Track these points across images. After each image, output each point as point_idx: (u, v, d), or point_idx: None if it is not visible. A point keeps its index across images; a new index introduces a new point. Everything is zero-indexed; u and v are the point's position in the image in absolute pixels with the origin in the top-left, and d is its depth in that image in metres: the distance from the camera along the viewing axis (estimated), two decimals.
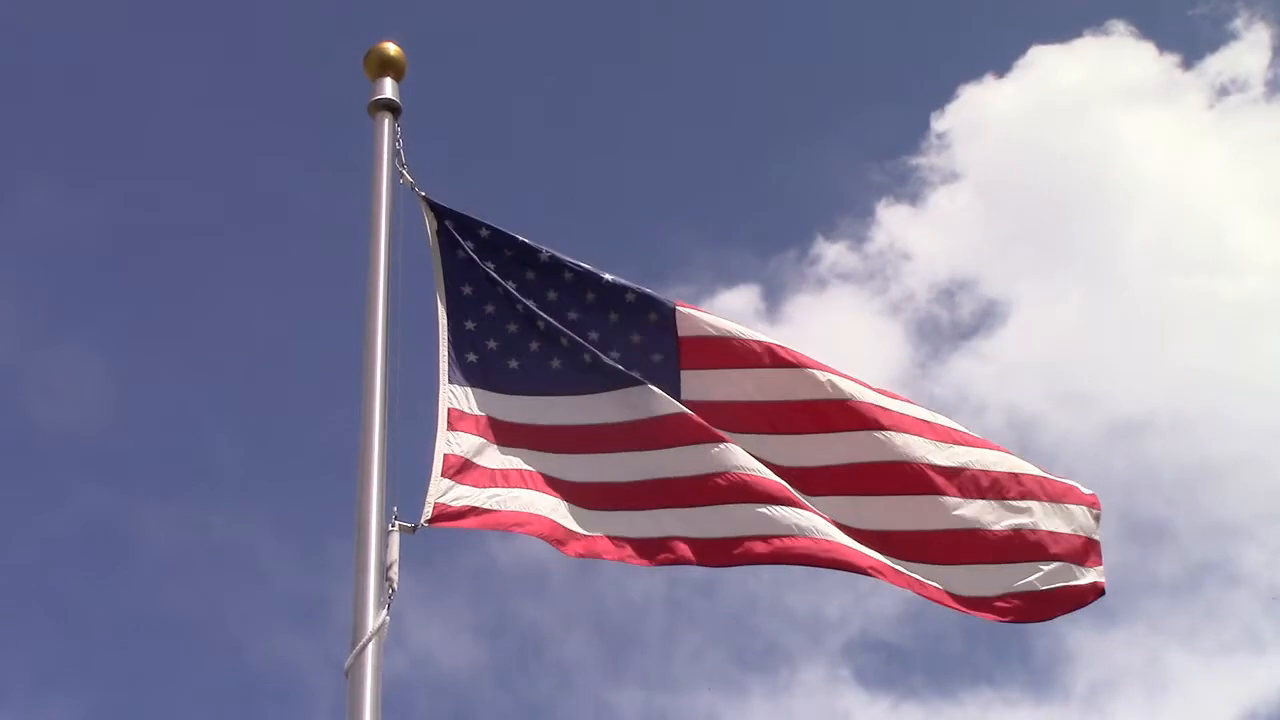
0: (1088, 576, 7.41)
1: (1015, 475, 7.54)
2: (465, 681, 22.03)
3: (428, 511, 6.89)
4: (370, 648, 6.16)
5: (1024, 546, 7.41)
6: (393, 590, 6.38)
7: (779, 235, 27.49)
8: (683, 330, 7.71)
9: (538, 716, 22.35)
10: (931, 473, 7.43)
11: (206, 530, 23.41)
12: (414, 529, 6.74)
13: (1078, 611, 7.51)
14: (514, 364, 7.58)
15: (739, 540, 7.13)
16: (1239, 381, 23.95)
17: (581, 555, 7.13)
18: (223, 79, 26.26)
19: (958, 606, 7.35)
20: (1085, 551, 7.45)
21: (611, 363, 7.51)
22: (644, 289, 7.81)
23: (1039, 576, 7.37)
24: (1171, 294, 25.52)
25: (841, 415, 7.51)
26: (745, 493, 7.17)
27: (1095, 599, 7.43)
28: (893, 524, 7.38)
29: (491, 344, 7.60)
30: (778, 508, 7.14)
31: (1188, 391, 24.27)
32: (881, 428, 7.47)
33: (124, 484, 24.00)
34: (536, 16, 27.49)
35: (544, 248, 7.81)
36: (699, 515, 7.21)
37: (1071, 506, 7.54)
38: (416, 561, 6.65)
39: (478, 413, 7.37)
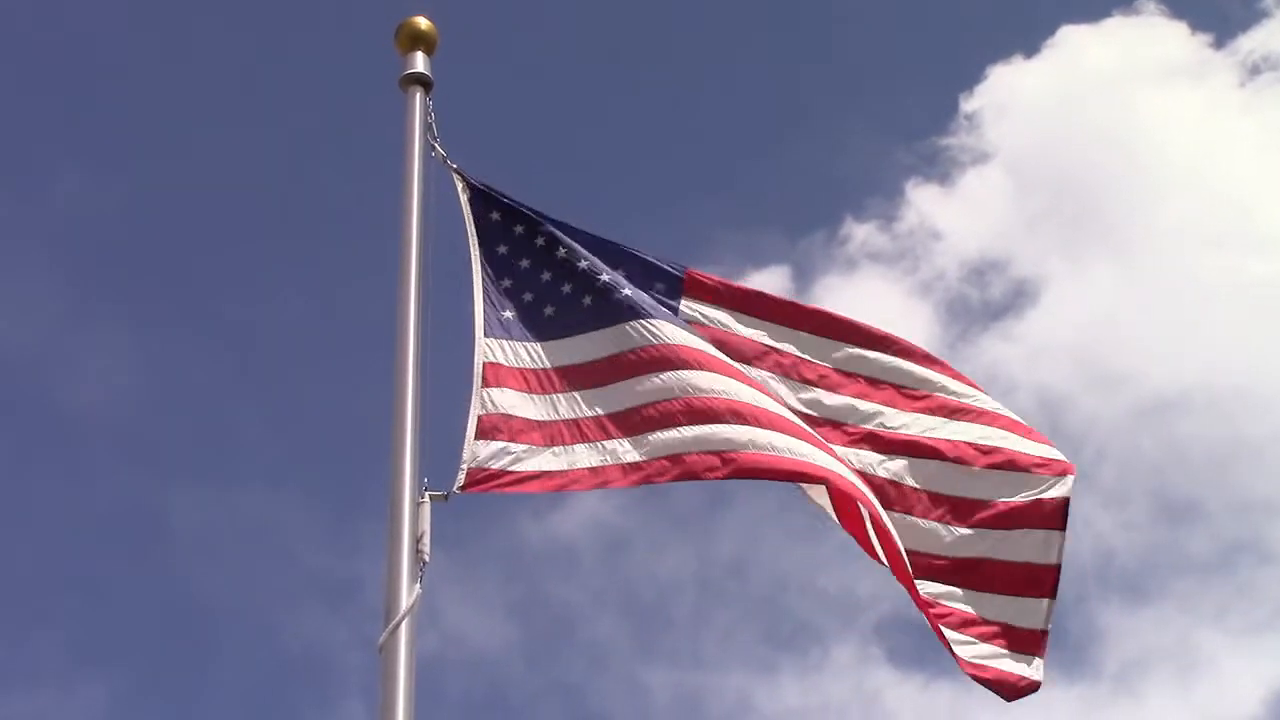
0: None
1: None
2: (497, 661, 22.05)
3: (460, 478, 6.86)
4: (404, 624, 6.11)
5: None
6: (425, 563, 6.33)
7: (808, 216, 27.37)
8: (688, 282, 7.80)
9: (569, 696, 22.37)
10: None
11: (237, 510, 23.45)
12: (446, 497, 6.69)
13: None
14: (549, 310, 7.58)
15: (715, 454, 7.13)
16: (1270, 360, 23.81)
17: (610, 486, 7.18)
18: (252, 55, 26.26)
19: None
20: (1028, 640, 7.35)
21: (632, 294, 7.59)
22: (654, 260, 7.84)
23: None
24: (1202, 273, 25.38)
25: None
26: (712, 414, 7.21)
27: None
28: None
29: (527, 296, 7.62)
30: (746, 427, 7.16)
31: (1219, 370, 24.13)
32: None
33: (154, 465, 24.07)
34: (566, 0, 27.43)
35: (556, 231, 7.81)
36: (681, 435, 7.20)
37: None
38: (448, 541, 6.61)
39: (514, 365, 7.35)
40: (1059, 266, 25.92)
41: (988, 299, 25.22)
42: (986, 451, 7.48)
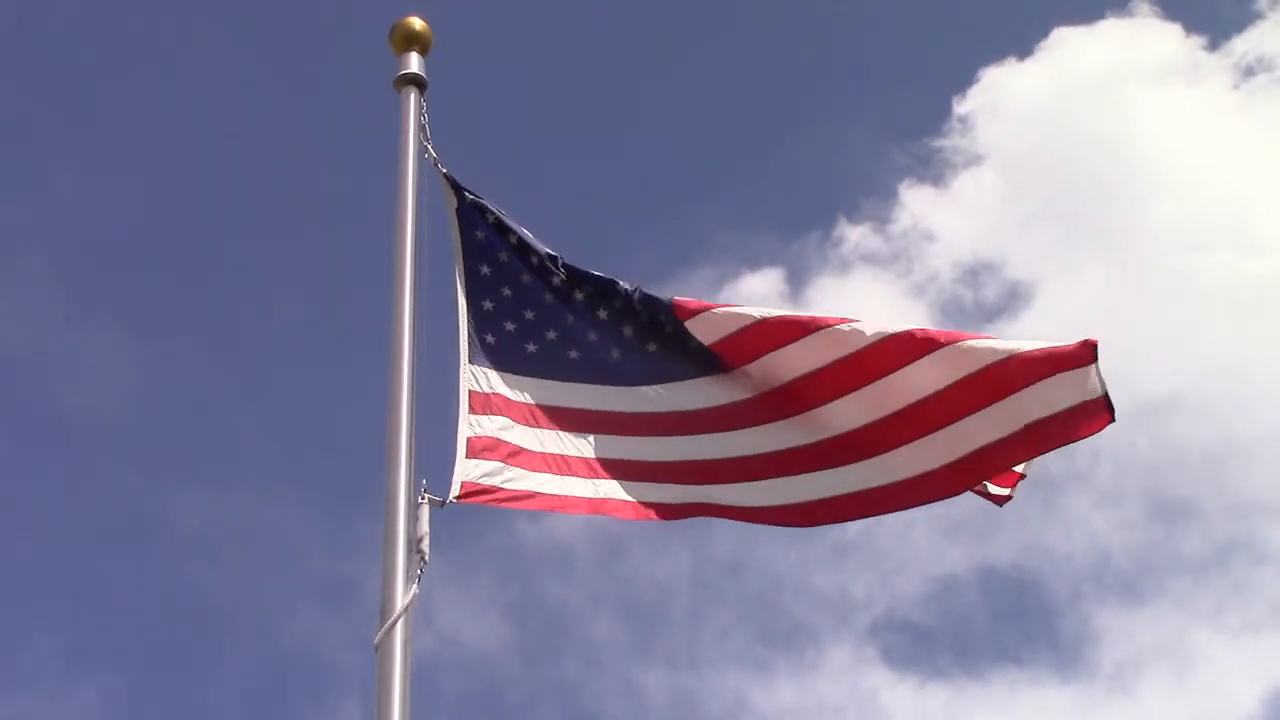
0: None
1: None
2: (493, 661, 22.06)
3: (456, 489, 6.86)
4: (400, 623, 6.11)
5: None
6: (423, 564, 6.34)
7: (802, 218, 27.42)
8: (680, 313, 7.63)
9: (565, 696, 22.36)
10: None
11: (235, 511, 23.46)
12: (442, 504, 6.70)
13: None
14: (531, 348, 7.56)
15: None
16: (1265, 360, 23.82)
17: (609, 515, 7.24)
18: (247, 57, 26.28)
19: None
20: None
21: (641, 356, 7.54)
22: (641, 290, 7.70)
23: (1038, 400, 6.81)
24: (1196, 274, 25.39)
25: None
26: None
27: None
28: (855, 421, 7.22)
29: (509, 326, 7.58)
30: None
31: (1213, 371, 24.17)
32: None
33: (152, 466, 24.08)
34: (561, 2, 27.43)
35: (543, 249, 7.75)
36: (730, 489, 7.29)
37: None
38: (444, 542, 6.62)
39: (498, 393, 7.35)
40: (1052, 268, 25.97)
41: (981, 300, 25.27)
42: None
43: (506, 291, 7.64)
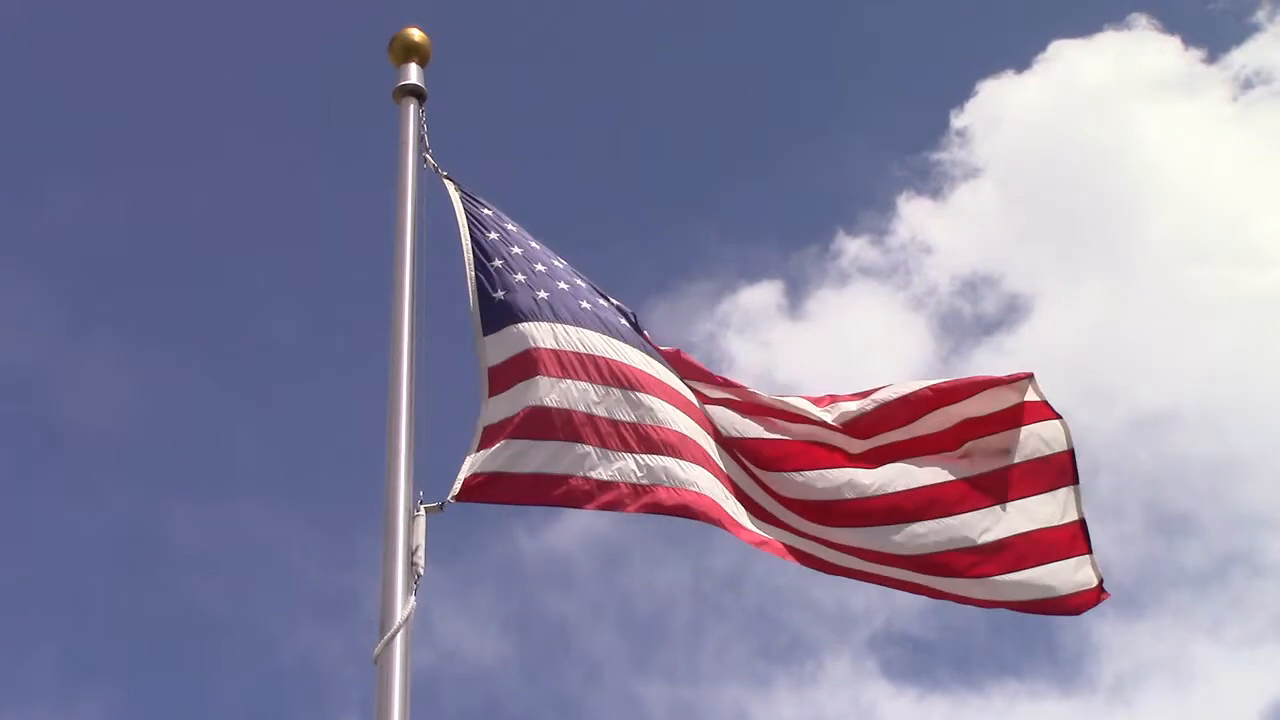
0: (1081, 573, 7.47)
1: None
2: (493, 674, 22.05)
3: (456, 487, 6.81)
4: (399, 635, 6.09)
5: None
6: (419, 575, 6.32)
7: (801, 230, 27.49)
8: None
9: (565, 709, 22.33)
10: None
11: (235, 526, 23.45)
12: (441, 507, 6.67)
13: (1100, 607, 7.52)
14: (543, 294, 7.53)
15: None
16: (1264, 373, 23.84)
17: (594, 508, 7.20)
18: (246, 70, 26.29)
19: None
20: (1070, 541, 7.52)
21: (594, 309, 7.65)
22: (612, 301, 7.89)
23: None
24: (1195, 287, 25.42)
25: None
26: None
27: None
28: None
29: (520, 277, 7.53)
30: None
31: (1213, 384, 24.17)
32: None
33: (152, 481, 24.08)
34: (561, 13, 27.44)
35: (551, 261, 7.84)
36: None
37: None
38: (444, 555, 6.61)
39: (513, 354, 7.28)
40: (1051, 280, 26.00)
41: (980, 313, 25.28)
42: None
43: (517, 250, 7.66)
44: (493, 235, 7.63)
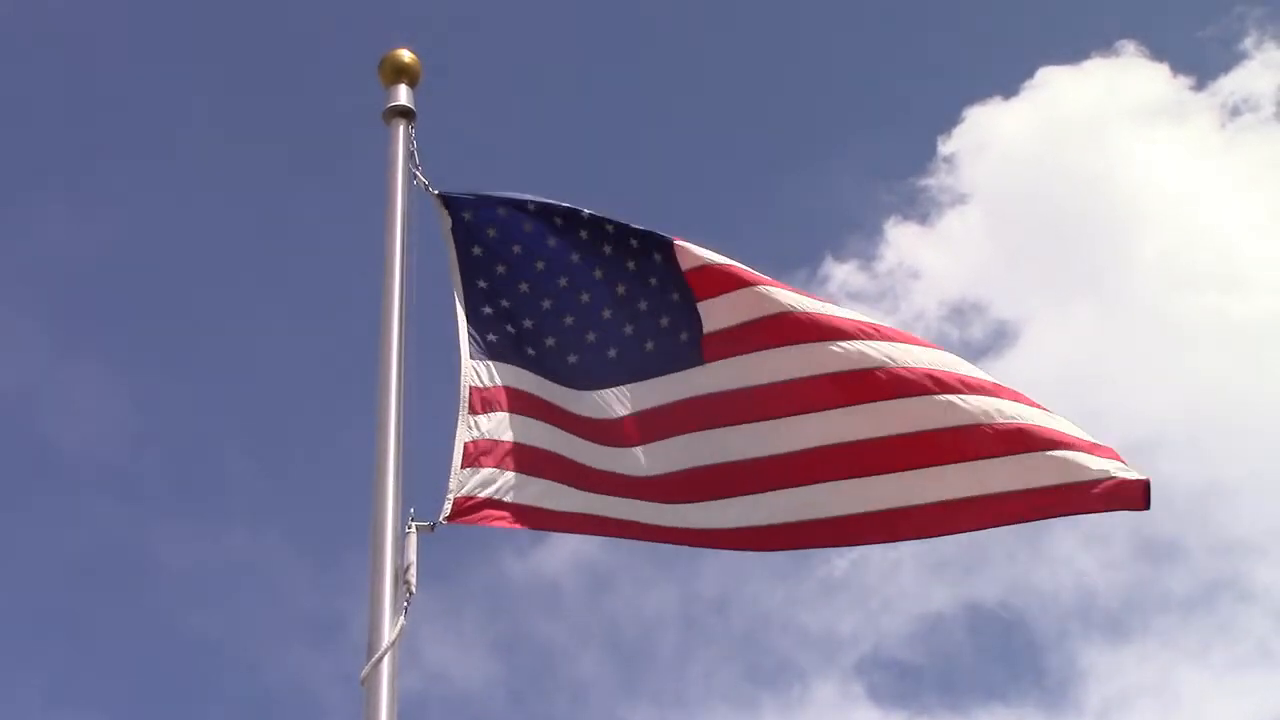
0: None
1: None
2: (479, 698, 22.01)
3: (447, 508, 6.81)
4: (387, 657, 6.05)
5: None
6: (410, 595, 6.28)
7: (788, 256, 27.39)
8: (684, 264, 7.68)
9: None
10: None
11: (223, 548, 23.39)
12: (432, 527, 6.65)
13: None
14: (531, 352, 7.52)
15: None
16: (1251, 399, 23.88)
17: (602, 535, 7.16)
18: (234, 90, 26.27)
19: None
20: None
21: (635, 354, 7.47)
22: (639, 228, 7.72)
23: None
24: (1183, 313, 25.47)
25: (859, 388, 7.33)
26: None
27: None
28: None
29: (510, 329, 7.53)
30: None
31: (1199, 410, 24.19)
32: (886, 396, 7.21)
33: (140, 502, 24.02)
34: (551, 36, 27.49)
35: (558, 205, 7.72)
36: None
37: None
38: (431, 577, 6.57)
39: (500, 385, 7.29)
40: (1038, 307, 26.04)
41: (968, 339, 25.28)
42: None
43: (505, 303, 7.59)
44: (483, 284, 7.61)
